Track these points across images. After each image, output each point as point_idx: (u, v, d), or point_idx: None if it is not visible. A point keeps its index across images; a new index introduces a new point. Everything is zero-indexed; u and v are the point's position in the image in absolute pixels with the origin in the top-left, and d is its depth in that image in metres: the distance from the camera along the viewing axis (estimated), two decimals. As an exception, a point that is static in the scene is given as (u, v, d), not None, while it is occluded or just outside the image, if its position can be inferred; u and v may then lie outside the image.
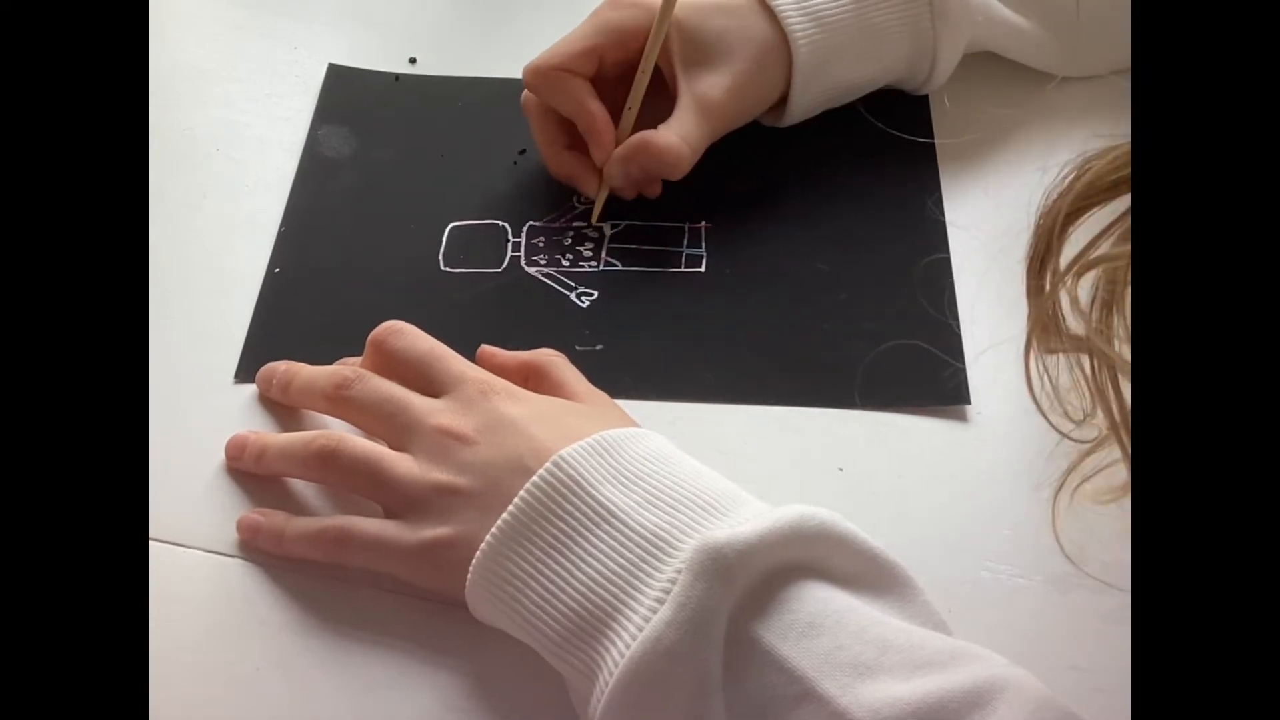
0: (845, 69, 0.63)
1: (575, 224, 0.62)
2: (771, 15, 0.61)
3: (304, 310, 0.59)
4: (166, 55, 0.71)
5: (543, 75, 0.60)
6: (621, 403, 0.53)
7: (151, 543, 0.50)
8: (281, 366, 0.55)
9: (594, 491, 0.45)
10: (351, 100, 0.68)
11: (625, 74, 0.60)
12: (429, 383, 0.51)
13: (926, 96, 0.67)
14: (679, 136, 0.59)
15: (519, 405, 0.49)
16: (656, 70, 0.61)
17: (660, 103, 0.60)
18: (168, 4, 0.75)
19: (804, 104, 0.63)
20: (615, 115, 0.61)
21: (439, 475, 0.47)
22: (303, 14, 0.74)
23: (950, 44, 0.63)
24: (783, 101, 0.63)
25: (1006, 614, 0.48)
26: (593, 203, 0.63)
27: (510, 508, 0.45)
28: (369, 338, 0.53)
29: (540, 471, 0.45)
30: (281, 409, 0.55)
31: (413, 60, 0.70)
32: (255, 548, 0.50)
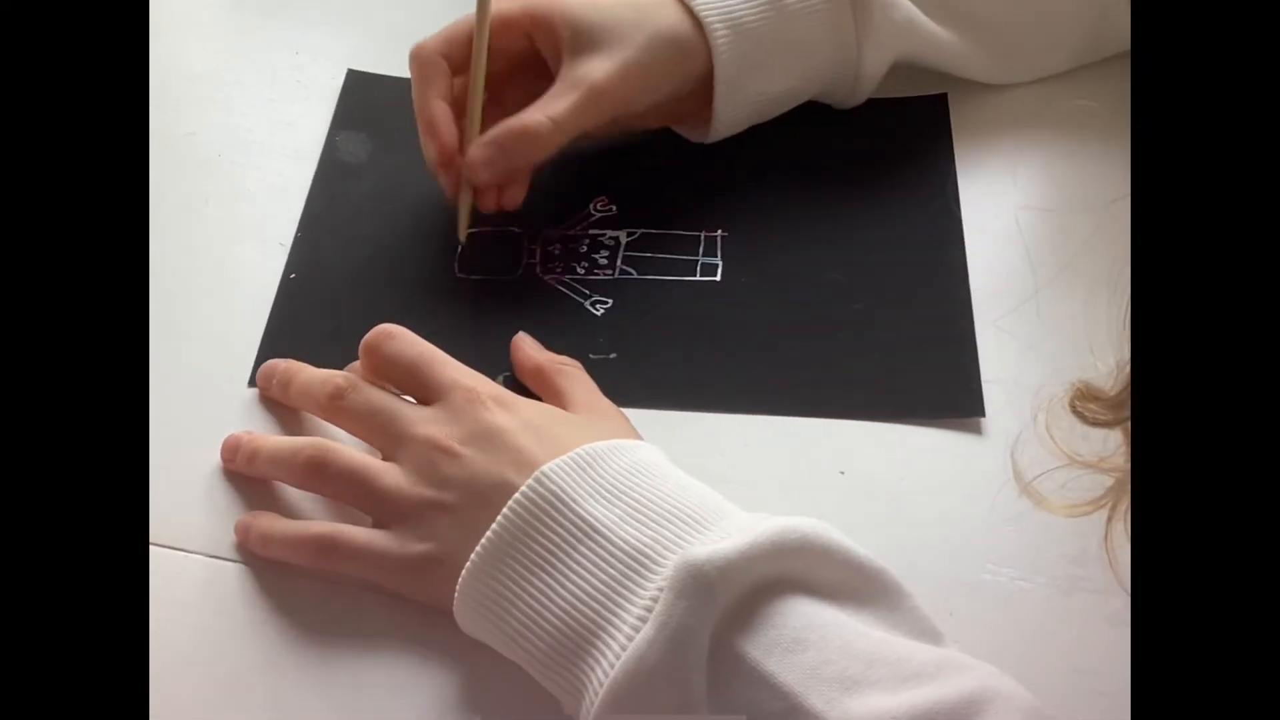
0: (767, 83, 0.63)
1: (591, 231, 0.63)
2: (687, 11, 0.61)
3: (319, 316, 0.60)
4: (168, 60, 0.73)
5: (416, 58, 0.60)
6: (634, 411, 0.54)
7: (151, 547, 0.51)
8: (282, 365, 0.56)
9: (576, 507, 0.45)
10: (370, 106, 0.69)
11: (519, 67, 0.61)
12: (420, 388, 0.52)
13: (946, 101, 0.68)
14: (542, 114, 0.58)
15: (506, 415, 0.50)
16: (548, 71, 0.60)
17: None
18: (169, 8, 0.76)
19: (728, 119, 0.63)
20: (506, 109, 0.60)
21: (424, 490, 0.48)
22: (305, 19, 0.76)
23: (874, 62, 0.64)
24: (705, 117, 0.63)
25: (1008, 617, 0.49)
26: (609, 210, 0.64)
27: (494, 526, 0.45)
28: (362, 342, 0.53)
29: (523, 488, 0.46)
30: (285, 411, 0.56)
31: None
32: (246, 549, 0.51)
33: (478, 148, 0.59)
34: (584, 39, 0.60)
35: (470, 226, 0.62)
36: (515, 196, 0.61)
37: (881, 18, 0.62)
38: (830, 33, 0.62)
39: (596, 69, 0.59)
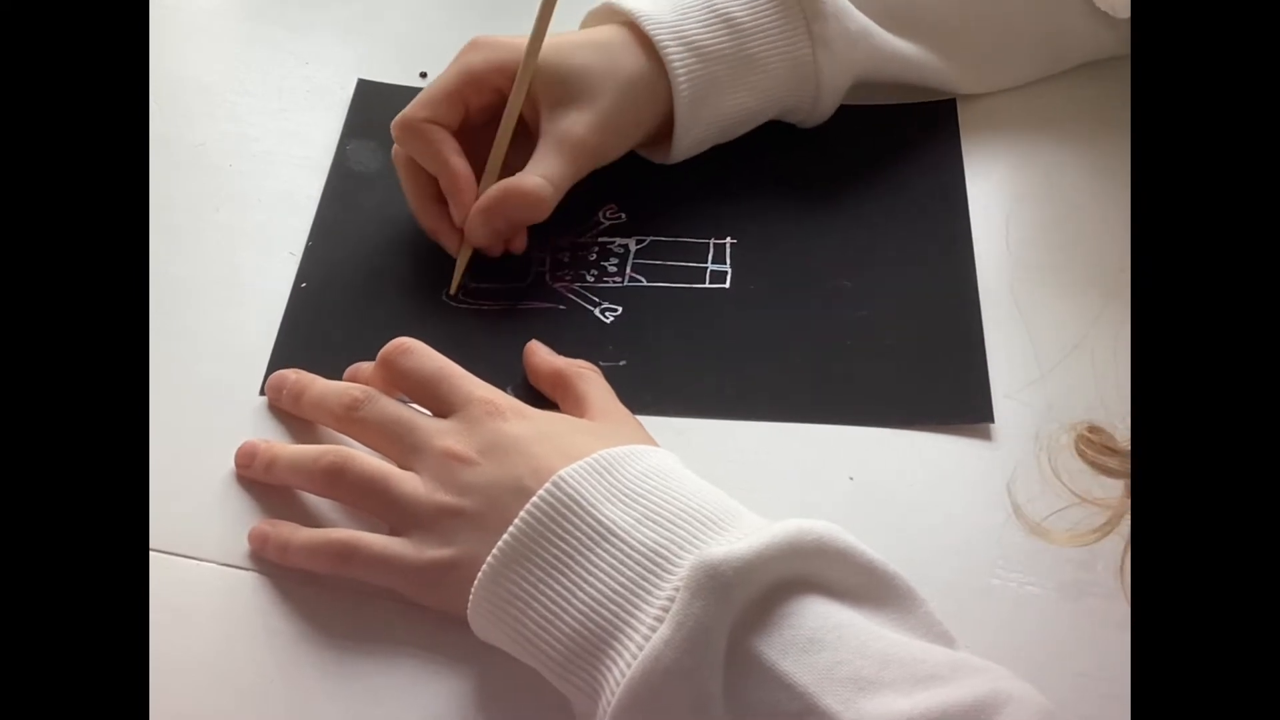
0: (726, 102, 0.63)
1: (601, 239, 0.64)
2: (644, 49, 0.62)
3: (330, 325, 0.61)
4: (178, 70, 0.73)
5: (406, 128, 0.60)
6: (644, 418, 0.55)
7: (164, 555, 0.52)
8: (292, 376, 0.57)
9: (593, 510, 0.46)
10: (380, 115, 0.69)
11: (493, 118, 0.61)
12: (437, 402, 0.53)
13: (954, 106, 0.69)
14: (540, 176, 0.59)
15: (523, 425, 0.50)
16: (523, 122, 0.61)
17: (527, 156, 0.61)
18: (179, 18, 0.77)
19: (689, 140, 0.64)
20: (483, 161, 0.61)
21: (442, 497, 0.49)
22: (313, 29, 0.77)
23: (832, 74, 0.64)
24: (667, 137, 0.64)
25: (1017, 621, 0.49)
26: (618, 218, 0.64)
27: (510, 529, 0.46)
28: (379, 355, 0.54)
29: (540, 492, 0.46)
30: (296, 420, 0.57)
31: (423, 74, 0.72)
32: (263, 557, 0.52)
33: (479, 213, 0.60)
34: (559, 91, 0.61)
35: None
36: (520, 243, 0.62)
37: (835, 27, 0.63)
38: (785, 47, 0.63)
39: (578, 124, 0.60)
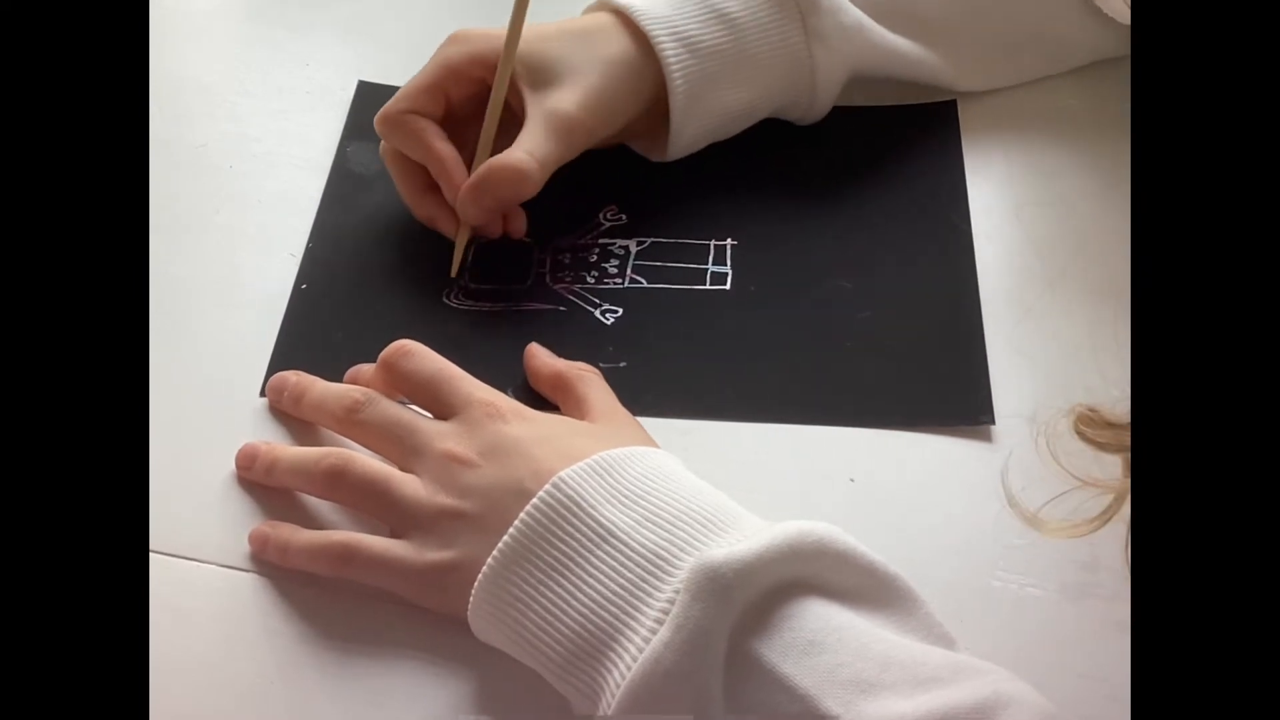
0: (723, 98, 0.63)
1: (601, 240, 0.64)
2: (629, 34, 0.62)
3: (331, 326, 0.61)
4: (179, 72, 0.74)
5: (389, 120, 0.61)
6: (644, 419, 0.55)
7: (165, 556, 0.52)
8: (292, 379, 0.57)
9: (593, 512, 0.46)
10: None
11: (477, 110, 0.62)
12: (438, 404, 0.53)
13: (955, 107, 0.69)
14: (525, 152, 0.59)
15: (524, 427, 0.51)
16: (511, 111, 0.61)
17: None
18: (180, 21, 0.77)
19: (686, 136, 0.64)
20: (470, 151, 0.61)
21: (443, 499, 0.49)
22: (313, 29, 0.77)
23: (828, 68, 0.64)
24: (663, 132, 0.64)
25: (1019, 623, 0.49)
26: (619, 219, 0.64)
27: (510, 531, 0.46)
28: (379, 357, 0.54)
29: (540, 494, 0.46)
30: (297, 422, 0.57)
31: None
32: (263, 559, 0.52)
33: (468, 190, 0.60)
34: (541, 73, 0.61)
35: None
36: (518, 226, 0.63)
37: (830, 22, 0.63)
38: (780, 41, 0.63)
39: (564, 100, 0.60)
